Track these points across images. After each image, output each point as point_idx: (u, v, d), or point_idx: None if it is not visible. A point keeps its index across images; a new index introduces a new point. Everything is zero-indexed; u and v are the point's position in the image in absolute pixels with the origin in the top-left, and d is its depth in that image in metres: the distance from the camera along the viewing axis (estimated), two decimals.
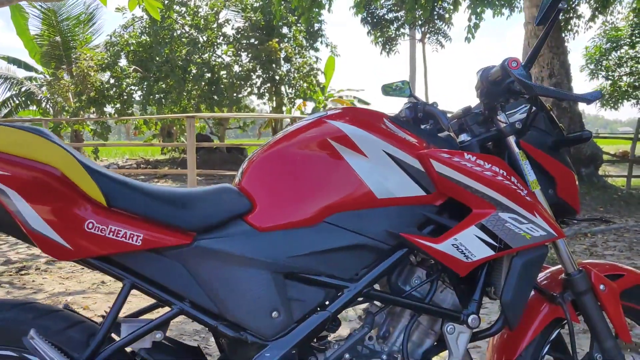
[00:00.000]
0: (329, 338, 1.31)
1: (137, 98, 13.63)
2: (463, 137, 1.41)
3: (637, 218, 6.99)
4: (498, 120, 1.39)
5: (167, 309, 1.18)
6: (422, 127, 1.52)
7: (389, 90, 1.72)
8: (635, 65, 21.00)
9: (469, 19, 7.94)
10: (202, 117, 12.98)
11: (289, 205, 1.23)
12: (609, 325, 1.43)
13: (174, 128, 15.20)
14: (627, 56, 21.15)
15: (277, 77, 13.57)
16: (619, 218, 6.99)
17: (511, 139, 1.38)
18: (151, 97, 12.46)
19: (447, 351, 1.32)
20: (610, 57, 21.15)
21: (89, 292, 3.69)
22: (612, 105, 21.95)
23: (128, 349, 1.15)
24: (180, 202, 1.18)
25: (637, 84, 21.20)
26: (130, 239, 1.10)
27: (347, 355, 1.25)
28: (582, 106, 8.05)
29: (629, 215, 7.22)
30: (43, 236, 1.05)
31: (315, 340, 1.27)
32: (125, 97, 12.72)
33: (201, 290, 1.15)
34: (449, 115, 1.46)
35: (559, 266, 1.48)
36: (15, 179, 1.03)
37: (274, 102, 15.12)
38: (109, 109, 13.14)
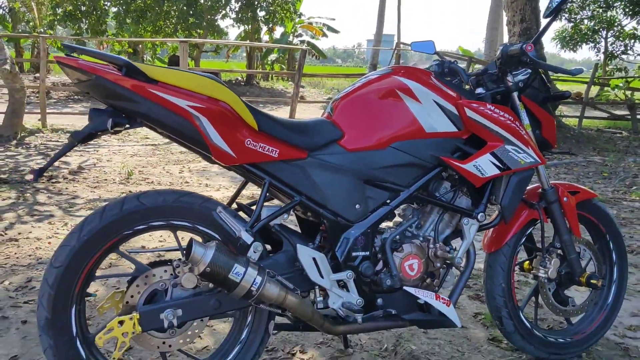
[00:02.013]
0: (385, 226, 1.93)
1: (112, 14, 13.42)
2: (479, 90, 2.00)
3: (585, 155, 7.87)
4: (507, 80, 1.98)
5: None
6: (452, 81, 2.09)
7: (417, 47, 2.27)
8: (597, 9, 21.74)
9: None
10: (195, 42, 13.01)
11: (367, 134, 1.80)
12: (567, 224, 2.11)
13: (140, 46, 15.09)
14: (589, 0, 21.80)
15: (256, 2, 13.60)
16: (570, 154, 7.85)
17: (515, 94, 1.98)
18: (128, 15, 12.34)
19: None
20: (573, 0, 21.75)
21: None
22: (571, 47, 22.84)
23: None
24: (299, 130, 1.73)
25: (597, 27, 22.04)
26: (270, 152, 1.65)
27: (397, 237, 1.87)
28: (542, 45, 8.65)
29: (579, 152, 8.10)
30: (219, 148, 1.59)
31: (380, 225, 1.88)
32: (99, 12, 12.55)
33: (313, 188, 1.73)
34: (469, 72, 2.04)
35: (538, 184, 2.12)
36: (205, 109, 1.55)
37: (250, 27, 15.17)
38: (85, 25, 12.95)
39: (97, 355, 1.64)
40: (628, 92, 12.40)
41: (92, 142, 6.82)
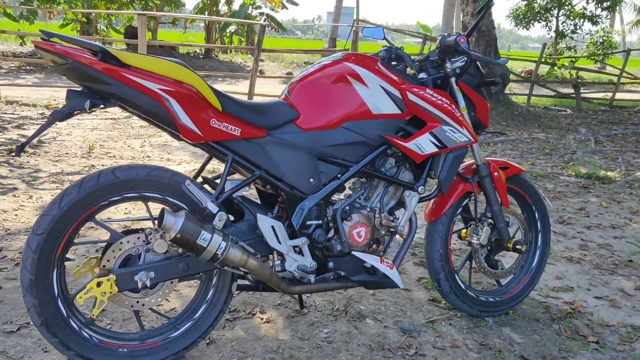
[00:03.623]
0: (336, 197, 2.15)
1: None
2: (422, 75, 2.23)
3: (530, 132, 8.30)
4: (446, 67, 2.21)
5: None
6: (397, 66, 2.31)
7: (368, 33, 2.48)
8: None
9: None
10: (154, 15, 12.77)
11: (320, 115, 2.00)
12: (497, 197, 2.38)
13: (93, 14, 14.71)
14: None
15: None
16: (516, 131, 8.27)
17: (452, 79, 2.22)
18: None
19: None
20: None
21: (83, 173, 4.31)
22: (524, 25, 23.44)
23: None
24: (259, 111, 1.91)
25: (549, 6, 22.67)
26: (233, 132, 1.84)
27: (347, 207, 2.09)
28: (498, 20, 9.04)
29: (525, 129, 8.53)
30: (186, 127, 1.76)
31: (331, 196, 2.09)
32: None
33: (271, 164, 1.92)
34: (413, 58, 2.27)
35: (472, 161, 2.38)
36: (174, 92, 1.72)
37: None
38: None
39: (75, 313, 1.82)
40: (574, 71, 12.96)
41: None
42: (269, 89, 10.64)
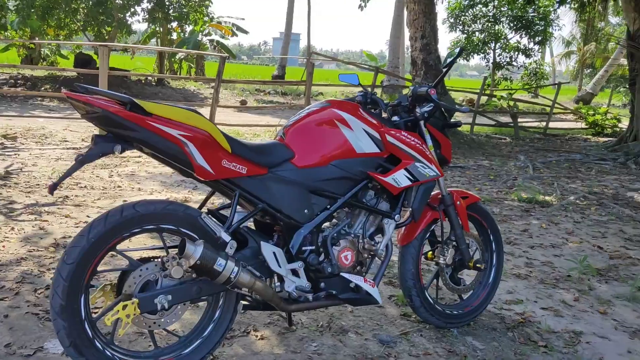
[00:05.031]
0: (325, 225, 2.45)
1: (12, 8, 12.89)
2: (395, 118, 2.59)
3: (476, 159, 8.89)
4: (416, 112, 2.58)
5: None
6: (374, 111, 2.65)
7: (344, 78, 2.83)
8: (487, 23, 23.77)
9: None
10: (116, 47, 12.77)
11: (313, 155, 2.31)
12: (460, 222, 2.74)
13: (36, 37, 14.55)
14: (480, 14, 23.79)
15: (167, 2, 13.64)
16: (463, 159, 8.84)
17: (422, 122, 2.59)
18: (32, 11, 11.95)
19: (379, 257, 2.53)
20: (467, 14, 23.63)
21: (58, 204, 4.42)
22: (465, 57, 24.76)
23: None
24: (261, 151, 2.20)
25: (487, 40, 24.08)
26: (241, 170, 2.11)
27: (335, 234, 2.39)
28: (440, 52, 9.60)
29: (471, 157, 9.12)
30: (201, 167, 2.02)
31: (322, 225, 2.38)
32: None
33: (272, 197, 2.21)
34: (386, 102, 2.63)
35: (438, 191, 2.74)
36: (192, 137, 1.98)
37: (160, 27, 15.13)
38: None
39: (98, 334, 2.03)
40: (511, 102, 13.87)
41: (10, 146, 6.75)
42: (224, 117, 10.87)
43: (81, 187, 5.09)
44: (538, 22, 23.50)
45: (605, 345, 2.76)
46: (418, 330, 2.77)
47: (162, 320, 2.08)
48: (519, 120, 13.38)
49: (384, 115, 2.61)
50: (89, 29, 13.17)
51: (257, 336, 2.57)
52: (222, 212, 2.32)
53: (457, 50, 2.51)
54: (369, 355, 2.48)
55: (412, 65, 9.88)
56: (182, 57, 22.19)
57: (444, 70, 2.59)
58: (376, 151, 2.43)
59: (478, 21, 24.12)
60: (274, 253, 2.19)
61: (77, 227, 3.89)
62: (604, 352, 2.68)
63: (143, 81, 16.40)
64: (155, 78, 16.14)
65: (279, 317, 2.76)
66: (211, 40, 23.21)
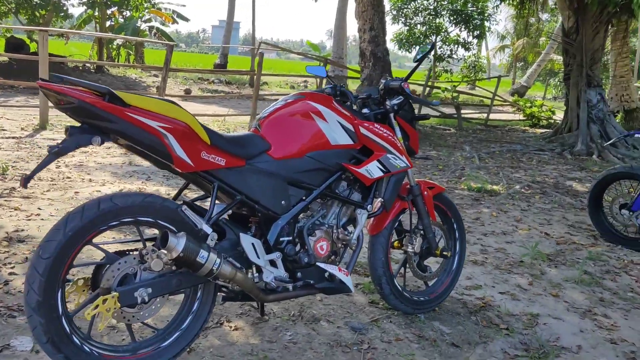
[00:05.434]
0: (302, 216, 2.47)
1: None
2: (365, 110, 2.64)
3: (423, 150, 9.10)
4: (386, 104, 2.63)
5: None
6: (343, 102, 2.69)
7: (312, 70, 2.85)
8: (428, 16, 24.27)
9: None
10: (56, 33, 12.12)
11: (289, 146, 2.32)
12: (427, 212, 2.83)
13: None
14: (422, 7, 24.26)
15: None
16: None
17: (392, 115, 2.65)
18: None
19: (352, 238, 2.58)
20: (409, 6, 24.04)
21: (5, 196, 4.22)
22: (407, 48, 25.20)
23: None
24: (238, 143, 2.19)
25: (428, 32, 24.59)
26: (219, 162, 2.10)
27: (311, 225, 2.42)
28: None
29: (420, 148, 9.32)
30: (180, 158, 1.99)
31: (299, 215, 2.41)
32: None
33: (250, 189, 2.20)
34: (356, 94, 2.67)
35: (406, 181, 2.81)
36: (171, 129, 1.95)
37: (99, 12, 14.55)
38: None
39: (75, 329, 1.97)
40: (455, 94, 14.28)
41: None
42: None
43: None
44: (476, 16, 24.21)
45: (560, 325, 2.93)
46: (387, 317, 2.84)
47: (141, 313, 2.05)
48: (461, 111, 13.78)
49: (354, 107, 2.65)
50: (21, 11, 12.48)
51: (231, 327, 2.57)
52: (197, 203, 2.30)
53: (429, 45, 2.58)
54: (343, 342, 2.53)
55: (361, 56, 9.96)
56: (120, 43, 21.45)
57: (415, 64, 2.65)
58: (350, 143, 2.47)
59: (420, 14, 24.57)
60: (253, 244, 2.19)
61: (29, 220, 3.73)
62: (559, 332, 2.84)
63: (81, 68, 15.77)
64: (95, 65, 15.55)
65: (250, 307, 2.76)
66: (151, 27, 22.53)
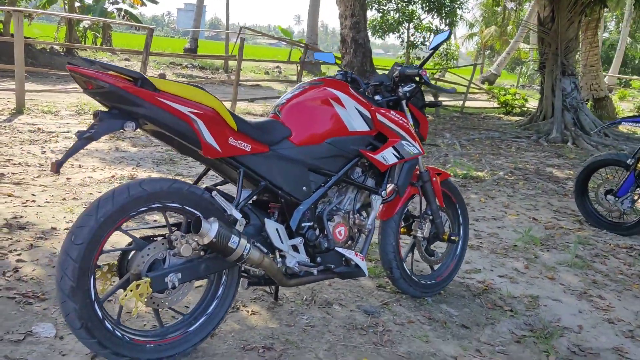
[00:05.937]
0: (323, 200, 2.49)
1: None
2: (377, 97, 2.67)
3: None
4: (399, 91, 2.67)
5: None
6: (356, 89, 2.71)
7: (320, 57, 2.87)
8: (401, 2, 24.33)
9: None
10: (31, 12, 11.68)
11: (309, 132, 2.34)
12: (435, 197, 2.90)
13: None
14: None
15: None
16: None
17: (404, 102, 2.69)
18: None
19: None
20: None
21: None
22: (380, 35, 25.25)
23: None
24: (262, 129, 2.20)
25: (401, 19, 24.66)
26: (245, 148, 2.11)
27: (330, 210, 2.46)
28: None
29: None
30: (208, 144, 2.00)
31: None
32: None
33: (273, 175, 2.22)
34: (366, 82, 2.71)
35: (416, 167, 2.87)
36: (201, 114, 1.95)
37: None
38: None
39: (107, 315, 1.97)
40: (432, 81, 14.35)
41: None
42: None
43: (14, 164, 4.76)
44: (449, 3, 24.38)
45: (559, 307, 3.05)
46: (396, 300, 2.91)
47: (170, 298, 2.06)
48: (438, 99, 13.93)
49: (367, 94, 2.69)
50: None
51: (248, 312, 2.59)
52: (219, 189, 2.31)
53: (447, 33, 2.62)
54: (358, 325, 2.58)
55: (342, 43, 9.99)
56: (87, 26, 20.91)
57: (431, 51, 2.70)
58: (366, 129, 2.50)
59: (392, 1, 24.62)
60: (277, 230, 2.22)
61: (26, 206, 3.66)
62: (560, 313, 2.96)
63: (49, 50, 15.32)
64: (64, 48, 15.14)
65: (263, 292, 2.79)
66: (119, 9, 22.01)
